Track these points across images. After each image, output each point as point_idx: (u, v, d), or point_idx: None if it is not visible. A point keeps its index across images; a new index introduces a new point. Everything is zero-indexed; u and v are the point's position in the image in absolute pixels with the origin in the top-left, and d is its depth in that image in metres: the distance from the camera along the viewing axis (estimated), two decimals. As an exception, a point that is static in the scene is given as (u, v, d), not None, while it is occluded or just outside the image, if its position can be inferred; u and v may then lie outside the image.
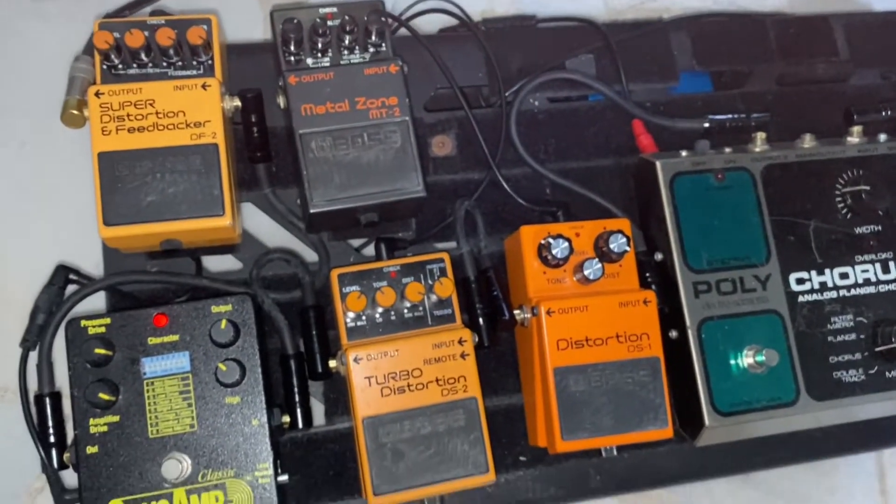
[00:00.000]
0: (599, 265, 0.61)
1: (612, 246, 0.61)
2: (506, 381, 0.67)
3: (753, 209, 0.66)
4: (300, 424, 0.60)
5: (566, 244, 0.61)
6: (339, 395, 0.64)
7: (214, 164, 0.58)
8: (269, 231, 0.68)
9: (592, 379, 0.60)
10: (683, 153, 0.67)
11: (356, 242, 0.68)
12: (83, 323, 0.57)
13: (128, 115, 0.57)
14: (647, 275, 0.66)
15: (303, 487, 0.62)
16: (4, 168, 0.70)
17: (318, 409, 0.65)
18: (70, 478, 0.59)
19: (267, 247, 0.67)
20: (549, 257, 0.61)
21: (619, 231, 0.62)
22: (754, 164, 0.67)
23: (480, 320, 0.63)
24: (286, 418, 0.60)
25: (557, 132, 0.72)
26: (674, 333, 0.64)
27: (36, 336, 0.60)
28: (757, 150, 0.68)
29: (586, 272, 0.61)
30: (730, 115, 0.72)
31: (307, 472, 0.63)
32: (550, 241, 0.61)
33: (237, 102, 0.61)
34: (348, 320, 0.60)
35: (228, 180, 0.58)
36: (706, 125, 0.72)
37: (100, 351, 0.55)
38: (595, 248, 0.63)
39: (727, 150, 0.68)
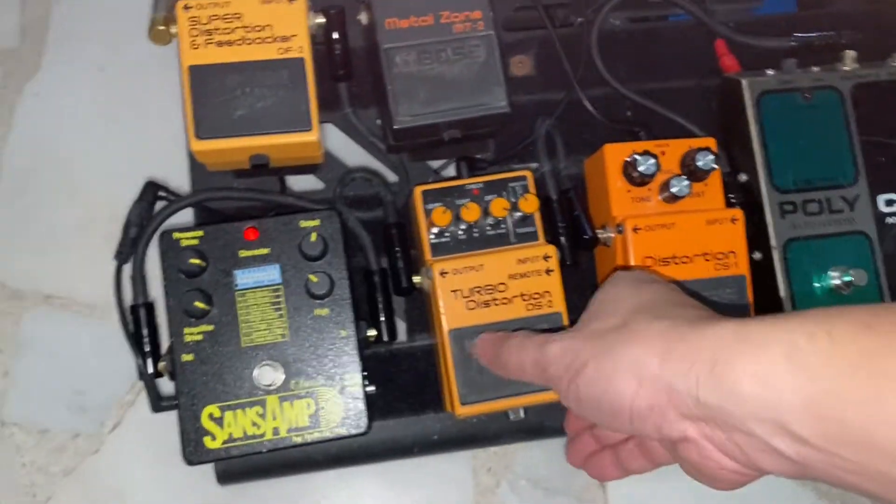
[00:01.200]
0: (687, 182, 0.60)
1: (699, 163, 0.60)
2: (584, 303, 0.67)
3: (841, 129, 0.65)
4: (385, 337, 0.61)
5: (653, 161, 0.60)
6: (420, 313, 0.65)
7: (301, 78, 0.58)
8: (349, 152, 0.68)
9: (678, 296, 0.59)
10: (770, 72, 0.65)
11: (435, 164, 0.68)
12: (176, 235, 0.58)
13: (216, 29, 0.58)
14: (731, 196, 0.65)
15: (385, 400, 0.63)
16: (84, 93, 0.72)
17: (400, 328, 0.66)
18: (164, 387, 0.61)
19: (348, 167, 0.67)
20: (635, 175, 0.60)
21: (707, 148, 0.61)
22: (843, 83, 0.65)
23: (562, 239, 0.63)
24: (372, 332, 0.60)
25: (638, 52, 0.70)
26: (757, 255, 0.63)
27: (129, 249, 0.61)
28: (846, 68, 0.66)
29: (673, 189, 0.60)
30: (817, 33, 0.70)
31: (389, 385, 0.64)
32: (637, 157, 0.60)
33: (321, 19, 0.61)
34: (432, 236, 0.60)
35: (315, 96, 0.58)
36: (792, 44, 0.70)
37: (194, 261, 0.56)
38: (681, 167, 0.62)
39: (815, 69, 0.66)
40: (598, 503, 0.69)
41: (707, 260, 0.60)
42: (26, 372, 0.66)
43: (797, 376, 0.37)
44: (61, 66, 0.73)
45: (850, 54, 0.66)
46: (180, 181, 0.67)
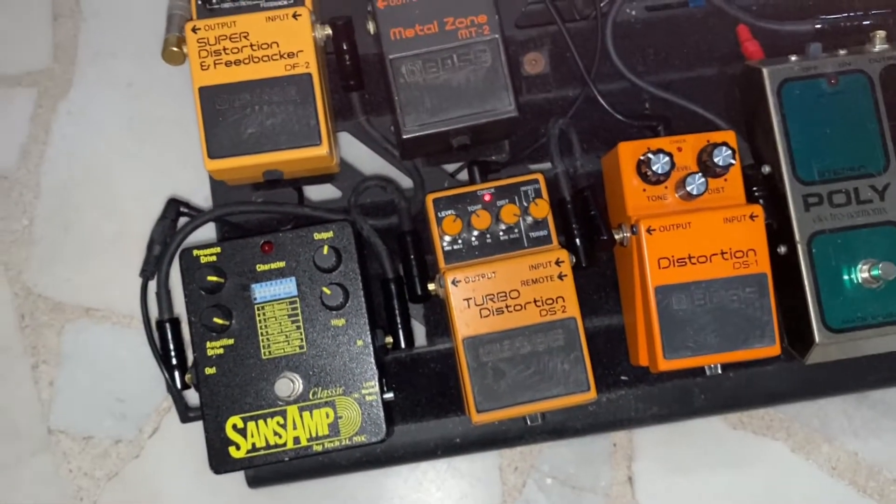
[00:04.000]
0: (703, 179, 0.59)
1: (716, 159, 0.59)
2: (605, 303, 0.66)
3: (870, 115, 0.62)
4: (402, 344, 0.62)
5: (667, 159, 0.59)
6: (439, 318, 0.66)
7: (309, 93, 0.58)
8: (365, 160, 0.68)
9: (696, 297, 0.58)
10: (793, 58, 0.63)
11: (450, 168, 0.68)
12: (195, 252, 0.59)
13: (224, 49, 0.59)
14: (755, 189, 0.63)
15: (408, 405, 0.65)
16: (115, 109, 0.74)
17: (420, 332, 0.67)
18: (192, 397, 0.63)
19: (364, 175, 0.68)
20: (649, 173, 0.59)
21: (724, 143, 0.59)
22: (872, 66, 0.62)
23: (577, 241, 0.62)
24: (389, 339, 0.61)
25: (656, 42, 0.69)
26: (782, 249, 0.62)
27: (153, 266, 0.63)
28: (875, 50, 0.63)
29: (689, 187, 0.59)
30: (844, 14, 0.67)
31: (411, 390, 0.65)
32: (650, 156, 0.59)
33: (328, 31, 0.62)
34: (445, 244, 0.60)
35: (324, 109, 0.59)
36: (818, 26, 0.67)
37: (212, 278, 0.58)
38: (698, 163, 0.61)
39: (841, 52, 0.63)
40: (625, 499, 0.68)
41: (726, 259, 0.59)
42: (70, 382, 0.70)
43: None
44: (92, 84, 0.75)
45: (880, 35, 0.63)
46: (207, 194, 0.69)
